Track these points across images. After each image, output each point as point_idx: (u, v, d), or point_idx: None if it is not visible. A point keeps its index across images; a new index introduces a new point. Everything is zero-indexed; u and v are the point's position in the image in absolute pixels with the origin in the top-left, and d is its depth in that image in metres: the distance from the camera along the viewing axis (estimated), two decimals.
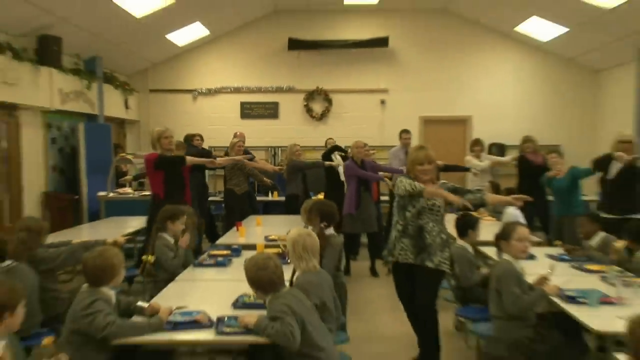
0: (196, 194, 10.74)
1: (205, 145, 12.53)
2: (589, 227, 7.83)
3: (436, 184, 6.26)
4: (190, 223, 7.47)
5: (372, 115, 15.74)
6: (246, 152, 12.26)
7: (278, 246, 7.36)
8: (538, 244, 8.07)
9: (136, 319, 4.73)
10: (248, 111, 16.10)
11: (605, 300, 5.36)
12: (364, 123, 15.06)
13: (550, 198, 10.54)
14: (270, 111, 16.12)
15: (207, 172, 12.15)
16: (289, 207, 11.31)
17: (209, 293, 5.85)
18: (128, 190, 12.40)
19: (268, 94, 16.15)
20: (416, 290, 6.25)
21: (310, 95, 16.10)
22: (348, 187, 10.69)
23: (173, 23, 13.79)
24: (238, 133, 11.86)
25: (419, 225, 6.07)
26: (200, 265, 7.02)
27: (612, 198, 8.88)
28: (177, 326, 4.60)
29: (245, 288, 4.96)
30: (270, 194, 13.33)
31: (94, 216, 12.08)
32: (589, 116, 15.70)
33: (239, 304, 5.18)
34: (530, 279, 5.69)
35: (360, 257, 11.52)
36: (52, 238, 7.28)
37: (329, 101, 16.07)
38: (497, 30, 15.76)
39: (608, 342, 4.82)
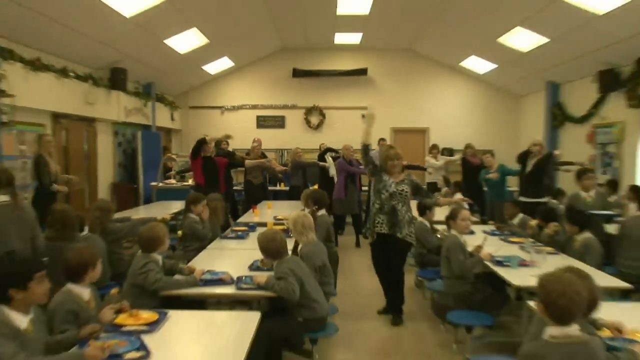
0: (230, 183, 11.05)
1: (230, 148, 12.66)
2: (512, 210, 8.11)
3: (402, 175, 6.40)
4: (219, 206, 7.61)
5: (355, 125, 15.61)
6: (262, 154, 12.54)
7: (283, 224, 7.40)
8: (476, 223, 8.18)
9: (177, 277, 4.78)
10: (262, 122, 16.30)
11: (523, 263, 5.54)
12: (349, 132, 15.08)
13: (485, 189, 10.84)
14: (278, 122, 16.33)
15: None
16: (292, 195, 11.57)
17: (231, 259, 5.86)
18: (172, 181, 12.58)
19: (277, 109, 16.35)
20: (391, 257, 6.40)
21: (309, 111, 16.32)
22: (338, 179, 10.92)
23: (207, 57, 14.03)
24: (256, 138, 11.99)
25: (392, 205, 6.23)
26: (225, 237, 7.09)
27: (528, 186, 9.10)
28: (207, 283, 4.69)
29: (258, 255, 5.03)
30: (278, 184, 13.49)
31: (148, 200, 12.32)
32: (513, 128, 16.03)
33: (253, 267, 5.26)
34: (470, 248, 5.83)
35: (345, 233, 11.63)
36: (118, 215, 7.40)
37: (323, 115, 16.29)
38: (447, 65, 16.01)
39: (524, 293, 5.04)
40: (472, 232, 6.82)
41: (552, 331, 2.83)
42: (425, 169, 13.17)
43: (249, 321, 3.78)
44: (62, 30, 9.03)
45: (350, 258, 6.25)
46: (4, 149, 8.27)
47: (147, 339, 3.37)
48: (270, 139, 14.11)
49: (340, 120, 16.13)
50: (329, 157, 12.02)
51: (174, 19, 10.59)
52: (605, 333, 3.41)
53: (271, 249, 4.73)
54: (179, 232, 7.09)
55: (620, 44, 9.86)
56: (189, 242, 6.75)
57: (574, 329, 2.83)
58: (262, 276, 4.59)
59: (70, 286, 3.70)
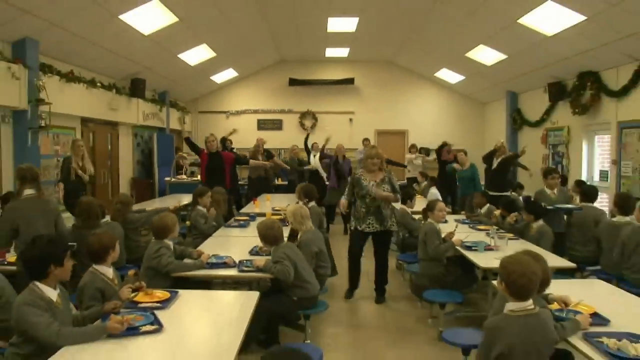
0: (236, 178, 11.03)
1: (234, 145, 12.74)
2: (480, 200, 8.21)
3: (381, 174, 6.36)
4: (221, 198, 7.62)
5: (344, 128, 15.88)
6: (269, 153, 12.57)
7: (280, 214, 7.43)
8: (448, 213, 8.07)
9: (187, 260, 4.79)
10: (262, 125, 16.23)
11: (488, 248, 5.60)
12: (338, 133, 15.07)
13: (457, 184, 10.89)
14: (276, 125, 16.27)
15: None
16: (290, 189, 11.50)
17: (234, 245, 5.85)
18: (183, 176, 12.65)
19: (275, 114, 16.29)
20: (378, 246, 6.45)
21: (303, 115, 16.26)
22: (330, 173, 11.09)
23: (215, 69, 14.00)
24: (259, 138, 12.06)
25: (377, 205, 6.24)
26: (229, 226, 7.12)
27: (493, 181, 9.18)
28: (212, 266, 4.71)
29: (258, 242, 5.02)
30: (276, 179, 13.34)
31: (162, 193, 12.30)
32: (479, 130, 16.08)
33: (253, 252, 5.26)
34: (443, 234, 5.88)
35: (335, 222, 11.56)
36: (136, 207, 7.44)
37: (316, 119, 16.22)
38: (423, 75, 16.01)
39: (489, 273, 5.06)
40: (445, 221, 6.76)
41: (511, 306, 2.88)
42: (405, 166, 13.26)
43: (249, 300, 3.79)
44: (92, 47, 9.15)
45: (339, 244, 6.25)
46: (41, 149, 8.39)
47: (161, 315, 3.37)
48: (269, 139, 13.95)
49: (330, 123, 16.04)
50: (315, 159, 12.06)
51: (186, 36, 10.60)
52: (554, 306, 3.45)
53: (269, 236, 4.74)
54: (188, 222, 7.11)
55: (566, 61, 10.00)
56: (196, 231, 6.79)
57: (529, 303, 2.87)
58: (260, 260, 4.61)
59: (96, 267, 3.74)
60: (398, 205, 7.82)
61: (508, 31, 9.72)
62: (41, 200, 4.84)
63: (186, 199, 9.16)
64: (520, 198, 9.28)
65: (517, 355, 2.76)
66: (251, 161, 10.52)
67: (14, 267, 4.66)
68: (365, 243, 6.49)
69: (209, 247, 5.49)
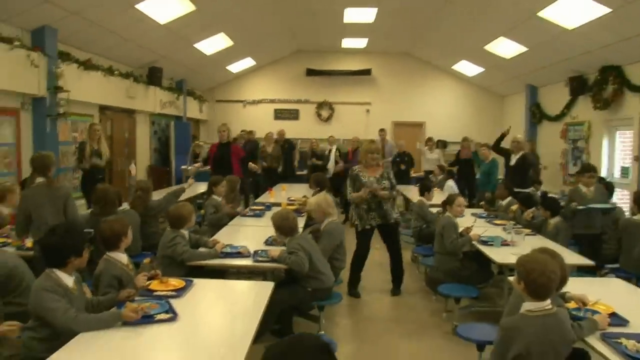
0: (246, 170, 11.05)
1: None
2: (503, 192, 8.09)
3: (380, 170, 6.31)
4: (235, 185, 7.69)
5: (361, 119, 15.84)
6: (290, 144, 12.77)
7: (294, 204, 7.48)
8: (466, 207, 8.19)
9: (202, 249, 4.78)
10: (279, 115, 16.19)
11: (505, 243, 5.54)
12: (355, 124, 15.16)
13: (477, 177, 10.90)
14: (293, 115, 16.21)
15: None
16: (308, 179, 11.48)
17: (249, 234, 5.86)
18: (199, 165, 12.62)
19: (292, 104, 16.24)
20: (388, 240, 6.43)
21: (320, 105, 16.20)
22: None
23: (232, 58, 13.97)
24: (269, 133, 12.57)
25: (378, 201, 6.18)
26: (244, 216, 7.10)
27: (512, 178, 8.80)
28: (227, 255, 4.72)
29: (272, 232, 4.95)
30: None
31: (179, 181, 12.35)
32: (498, 124, 15.64)
33: (268, 242, 5.24)
34: (460, 229, 5.84)
35: None
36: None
37: (332, 109, 16.18)
38: (441, 68, 15.87)
39: (505, 269, 5.04)
40: (462, 215, 6.79)
41: (529, 306, 2.84)
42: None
43: (263, 290, 3.79)
44: (109, 35, 9.19)
45: (348, 236, 6.25)
46: (60, 136, 8.48)
47: (175, 303, 3.39)
48: (286, 129, 13.97)
49: (347, 114, 16.04)
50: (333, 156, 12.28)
51: (203, 25, 10.60)
52: (572, 305, 3.41)
53: (284, 226, 4.73)
54: (202, 211, 7.14)
55: (587, 55, 9.83)
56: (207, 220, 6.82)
57: (547, 303, 2.83)
58: (275, 250, 4.61)
59: (110, 254, 3.75)
60: (416, 197, 7.85)
61: (528, 24, 9.58)
62: (51, 187, 4.90)
63: (202, 187, 9.17)
64: (538, 194, 9.19)
65: (534, 356, 2.72)
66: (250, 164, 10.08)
67: (31, 252, 4.72)
68: (372, 240, 6.44)
69: (224, 237, 5.47)
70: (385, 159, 11.77)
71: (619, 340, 2.89)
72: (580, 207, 6.49)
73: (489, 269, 5.85)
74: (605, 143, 10.52)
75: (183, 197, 8.41)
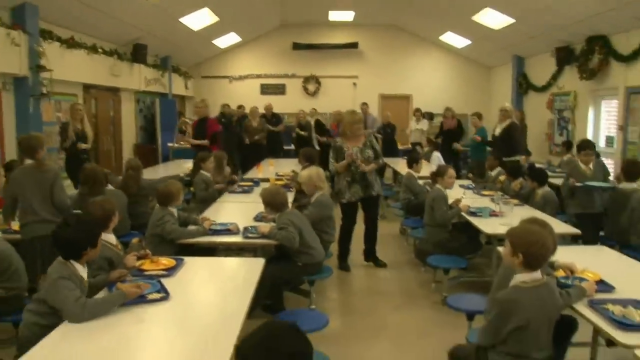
0: (234, 145, 10.99)
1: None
2: (492, 162, 8.18)
3: (362, 139, 6.30)
4: (222, 160, 7.56)
5: (348, 92, 15.77)
6: (278, 118, 12.81)
7: (282, 180, 7.50)
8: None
9: (191, 227, 4.72)
10: (265, 90, 16.08)
11: (493, 214, 5.61)
12: (342, 98, 15.09)
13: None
14: (280, 90, 16.12)
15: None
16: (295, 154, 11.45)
17: (238, 211, 5.81)
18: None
19: (278, 78, 16.13)
20: (368, 211, 6.45)
21: (307, 79, 16.13)
22: None
23: (217, 33, 13.77)
24: (265, 105, 12.64)
25: (361, 172, 6.18)
26: (233, 192, 7.07)
27: (500, 147, 8.71)
28: (217, 232, 4.66)
29: (262, 208, 4.91)
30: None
31: (166, 159, 12.25)
32: (486, 95, 15.87)
33: (258, 218, 5.18)
34: (450, 200, 5.85)
35: None
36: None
37: (319, 83, 16.11)
38: (428, 40, 15.79)
39: (493, 239, 5.11)
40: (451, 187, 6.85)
41: (523, 277, 2.83)
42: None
43: (254, 266, 3.80)
44: (92, 12, 8.99)
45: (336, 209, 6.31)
46: (43, 116, 8.34)
47: (167, 282, 3.39)
48: (273, 104, 13.92)
49: (334, 88, 15.97)
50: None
51: (187, 0, 10.43)
52: (560, 273, 3.46)
53: (275, 202, 4.71)
54: (192, 189, 7.11)
55: (574, 25, 9.80)
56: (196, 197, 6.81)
57: (538, 273, 2.85)
58: (265, 226, 4.59)
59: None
60: (404, 170, 7.86)
61: None
62: (37, 169, 4.84)
63: (189, 165, 9.06)
64: (526, 165, 9.23)
65: (532, 327, 2.76)
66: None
67: (18, 236, 4.66)
68: (357, 212, 6.43)
69: (213, 214, 5.46)
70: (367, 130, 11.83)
71: (606, 306, 2.94)
72: (578, 185, 6.25)
73: (477, 239, 5.90)
74: (590, 113, 10.57)
75: (169, 173, 8.45)
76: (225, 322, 2.84)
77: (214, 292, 3.46)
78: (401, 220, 7.72)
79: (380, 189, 6.47)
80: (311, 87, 16.18)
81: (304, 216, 4.91)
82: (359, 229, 6.56)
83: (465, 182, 8.07)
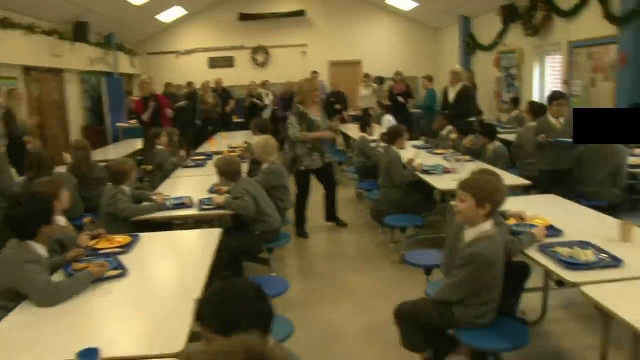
0: (186, 121, 10.83)
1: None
2: (442, 122, 8.30)
3: (319, 108, 6.38)
4: (172, 137, 7.45)
5: (297, 62, 15.60)
6: (228, 93, 12.72)
7: (236, 151, 7.44)
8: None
9: (145, 204, 4.64)
10: (214, 63, 15.85)
11: (446, 171, 5.73)
12: (292, 68, 14.94)
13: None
14: (228, 62, 15.92)
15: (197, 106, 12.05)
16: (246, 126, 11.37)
17: (192, 184, 5.74)
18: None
19: (227, 51, 15.91)
20: (326, 178, 6.50)
21: (255, 51, 15.95)
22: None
23: (161, 7, 13.43)
24: (215, 80, 12.52)
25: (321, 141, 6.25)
26: (187, 166, 7.01)
27: (455, 111, 8.56)
28: (172, 207, 4.62)
29: (215, 180, 4.93)
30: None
31: (116, 139, 11.99)
32: (434, 57, 15.97)
33: (212, 190, 5.12)
34: (404, 161, 5.92)
35: None
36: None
37: (268, 54, 15.96)
38: (376, 4, 15.71)
39: (447, 196, 5.20)
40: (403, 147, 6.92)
41: (486, 226, 2.91)
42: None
43: (211, 237, 3.79)
44: None
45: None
46: None
47: (124, 259, 3.36)
48: (222, 77, 13.73)
49: (283, 57, 15.83)
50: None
51: None
52: (511, 221, 3.57)
53: (230, 170, 4.68)
54: (149, 167, 7.00)
55: None
56: (159, 172, 6.69)
57: (490, 223, 2.93)
58: (220, 197, 4.57)
59: None
60: (357, 135, 7.92)
61: None
62: None
63: (139, 144, 8.90)
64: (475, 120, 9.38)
65: (500, 272, 2.88)
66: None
67: None
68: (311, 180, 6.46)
69: (167, 189, 5.40)
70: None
71: (555, 249, 3.05)
72: (552, 141, 5.83)
73: (432, 197, 6.00)
74: (536, 69, 10.76)
75: (122, 154, 8.29)
76: (184, 294, 2.82)
77: (172, 266, 3.44)
78: (356, 184, 7.78)
79: (330, 158, 6.54)
80: (260, 58, 16.01)
81: (258, 184, 4.89)
82: (314, 197, 6.60)
83: (419, 143, 8.15)
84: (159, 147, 6.95)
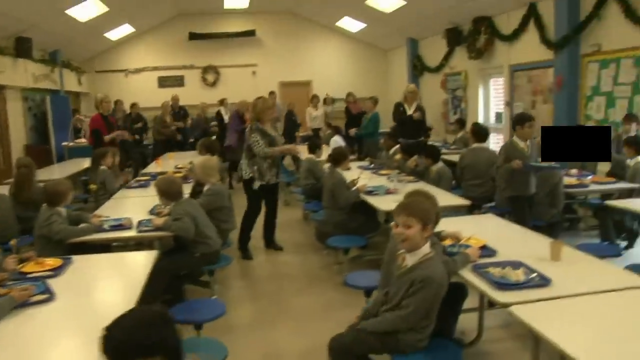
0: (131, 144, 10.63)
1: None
2: (390, 142, 8.32)
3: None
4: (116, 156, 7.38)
5: (247, 81, 15.57)
6: (184, 111, 12.71)
7: (181, 172, 7.33)
8: (353, 160, 8.23)
9: (82, 225, 4.52)
10: (163, 82, 15.63)
11: (389, 192, 5.72)
12: (242, 87, 14.87)
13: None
14: (178, 82, 15.69)
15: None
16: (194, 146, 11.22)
17: (134, 205, 5.62)
18: (83, 140, 11.89)
19: (176, 70, 15.73)
20: (272, 197, 6.43)
21: (205, 70, 15.84)
22: (230, 130, 10.65)
23: (108, 25, 13.19)
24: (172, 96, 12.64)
25: (278, 158, 6.30)
26: (130, 187, 6.90)
27: (412, 131, 8.35)
28: (110, 228, 4.50)
29: (157, 201, 4.81)
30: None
31: (61, 158, 11.60)
32: (383, 78, 16.26)
33: (153, 211, 5.02)
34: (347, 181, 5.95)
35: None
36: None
37: (218, 73, 15.88)
38: (325, 25, 15.90)
39: (390, 216, 4.98)
40: (348, 168, 6.81)
41: (427, 249, 2.90)
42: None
43: (145, 259, 3.70)
44: None
45: (242, 199, 6.19)
46: None
47: (53, 283, 3.23)
48: (171, 97, 13.61)
49: (233, 77, 15.77)
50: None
51: None
52: (447, 242, 3.59)
53: (170, 191, 4.59)
54: (93, 186, 6.86)
55: (461, 6, 10.19)
56: (102, 191, 6.60)
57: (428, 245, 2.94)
58: (159, 219, 4.48)
59: None
60: (304, 156, 7.92)
61: None
62: None
63: (87, 163, 8.60)
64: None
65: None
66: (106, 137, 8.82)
67: None
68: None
69: (110, 209, 5.28)
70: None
71: (487, 270, 3.08)
72: (535, 165, 5.53)
73: (375, 218, 5.97)
74: (480, 91, 11.06)
75: (67, 173, 8.14)
76: (111, 318, 2.71)
77: (102, 289, 3.33)
78: (302, 204, 7.74)
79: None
80: (210, 77, 15.92)
81: (199, 205, 4.82)
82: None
83: (365, 163, 8.21)
84: (102, 167, 6.83)
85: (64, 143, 11.76)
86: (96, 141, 8.49)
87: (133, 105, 12.67)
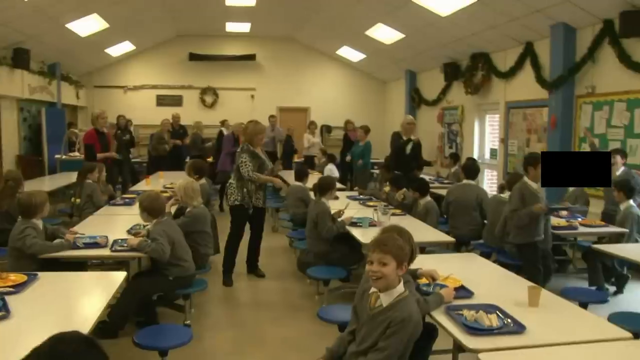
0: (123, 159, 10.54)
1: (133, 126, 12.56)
2: (385, 175, 8.28)
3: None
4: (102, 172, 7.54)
5: (245, 105, 15.62)
6: (184, 129, 12.71)
7: (167, 192, 7.19)
8: (341, 190, 8.24)
9: (57, 241, 4.39)
10: (161, 101, 15.64)
11: (372, 224, 5.61)
12: (240, 110, 14.88)
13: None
14: (176, 101, 15.68)
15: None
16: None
17: (116, 223, 5.54)
18: (76, 154, 11.87)
19: (175, 89, 15.74)
20: (258, 221, 6.38)
21: (204, 91, 15.85)
22: (223, 153, 10.54)
23: (109, 41, 13.27)
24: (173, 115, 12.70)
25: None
26: (115, 204, 6.86)
27: (410, 163, 8.42)
28: (84, 246, 4.41)
29: (140, 219, 4.74)
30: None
31: (53, 171, 11.53)
32: (381, 109, 16.29)
33: (132, 231, 4.92)
34: (333, 211, 5.81)
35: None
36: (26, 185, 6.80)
37: (217, 95, 15.88)
38: (325, 53, 15.98)
39: None
40: (336, 198, 6.71)
41: (401, 288, 2.79)
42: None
43: (112, 280, 3.58)
44: None
45: (226, 222, 6.13)
46: None
47: (12, 300, 3.10)
48: (169, 116, 13.50)
49: (232, 100, 15.79)
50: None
51: (73, 4, 9.88)
52: (423, 281, 3.45)
53: (153, 207, 4.49)
54: (77, 200, 6.78)
55: (460, 42, 10.25)
56: (89, 205, 6.61)
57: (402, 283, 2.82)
58: (134, 239, 4.37)
59: None
60: (293, 183, 7.85)
61: (404, 10, 9.76)
62: None
63: (74, 177, 8.56)
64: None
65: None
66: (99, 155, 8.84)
67: None
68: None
69: (90, 227, 5.17)
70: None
71: (461, 312, 2.96)
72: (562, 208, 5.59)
73: (359, 250, 5.81)
74: (476, 126, 11.03)
75: (56, 185, 8.31)
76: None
77: (61, 308, 3.18)
78: (287, 232, 7.60)
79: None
80: (208, 98, 15.91)
81: (178, 227, 4.71)
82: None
83: (354, 193, 8.12)
84: (88, 181, 6.81)
85: (57, 155, 11.68)
86: (87, 156, 8.50)
87: (120, 117, 12.57)
